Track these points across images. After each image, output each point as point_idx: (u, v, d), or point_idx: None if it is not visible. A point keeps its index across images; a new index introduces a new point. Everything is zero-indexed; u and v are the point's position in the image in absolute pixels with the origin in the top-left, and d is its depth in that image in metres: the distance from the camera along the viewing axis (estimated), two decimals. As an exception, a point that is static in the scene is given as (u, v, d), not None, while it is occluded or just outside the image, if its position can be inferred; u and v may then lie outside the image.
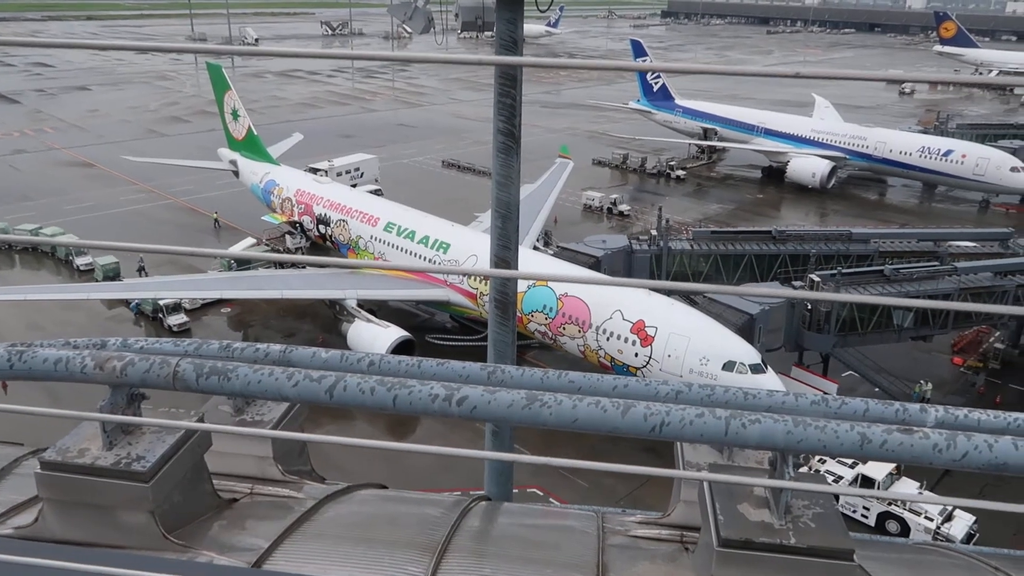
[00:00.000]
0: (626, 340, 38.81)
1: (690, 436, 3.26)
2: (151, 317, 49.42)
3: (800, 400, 3.95)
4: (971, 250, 49.64)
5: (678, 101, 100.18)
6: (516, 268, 19.62)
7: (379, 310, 47.68)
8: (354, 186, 68.56)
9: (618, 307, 39.33)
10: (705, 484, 3.62)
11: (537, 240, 55.67)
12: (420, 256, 49.04)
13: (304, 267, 51.29)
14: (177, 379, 3.80)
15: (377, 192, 68.82)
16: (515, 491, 27.89)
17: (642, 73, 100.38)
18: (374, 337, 42.43)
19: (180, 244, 62.01)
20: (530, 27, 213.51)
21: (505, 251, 18.93)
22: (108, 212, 71.17)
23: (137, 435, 4.26)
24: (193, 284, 48.73)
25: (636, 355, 38.42)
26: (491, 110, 17.55)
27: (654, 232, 49.20)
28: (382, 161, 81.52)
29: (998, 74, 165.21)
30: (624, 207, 74.78)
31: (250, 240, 59.71)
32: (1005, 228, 55.31)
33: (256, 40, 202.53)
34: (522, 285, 42.69)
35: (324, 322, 48.62)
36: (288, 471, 4.89)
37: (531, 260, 44.64)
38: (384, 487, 5.39)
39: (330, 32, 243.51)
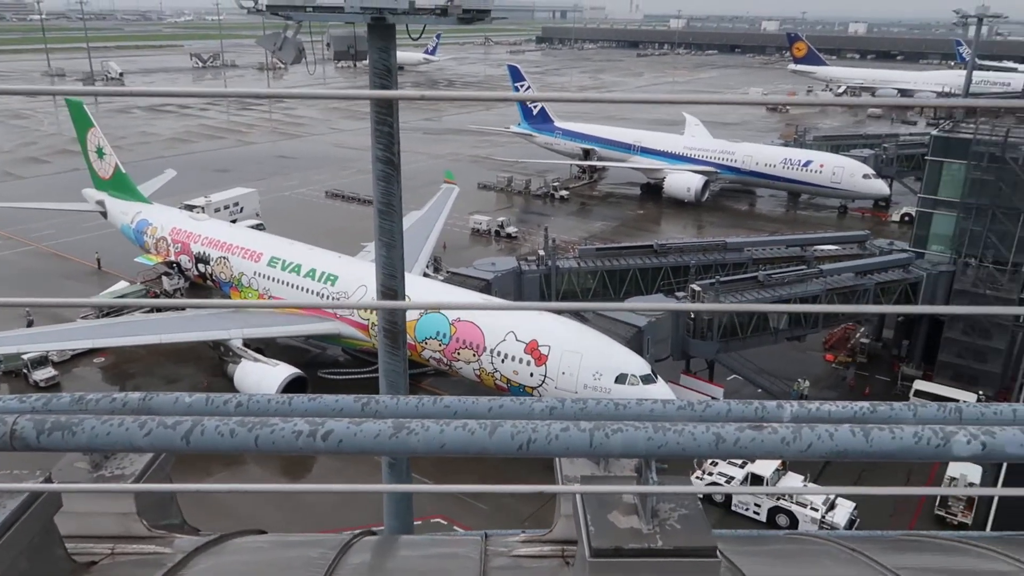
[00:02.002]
0: (521, 361, 39.14)
1: (556, 450, 3.32)
2: (14, 374, 45.77)
3: (668, 406, 4.09)
4: (834, 253, 53.17)
5: (557, 123, 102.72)
6: (403, 296, 19.48)
7: (267, 348, 46.07)
8: (234, 222, 66.30)
9: (511, 328, 39.64)
10: (577, 496, 3.70)
11: (427, 266, 55.46)
12: (307, 290, 47.84)
13: (184, 308, 48.99)
14: (15, 438, 3.52)
15: (259, 227, 66.81)
16: (418, 522, 27.49)
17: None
18: (262, 377, 40.92)
19: (47, 293, 57.96)
20: (407, 55, 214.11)
21: (391, 280, 18.77)
22: (-41, 263, 65.76)
23: (-25, 503, 3.92)
24: (60, 335, 45.44)
25: (531, 375, 38.80)
26: (371, 139, 17.47)
27: (542, 252, 50.04)
28: (263, 195, 79.28)
29: (846, 88, 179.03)
30: (512, 229, 75.71)
31: (123, 283, 56.49)
32: (862, 231, 59.61)
33: (121, 74, 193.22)
34: (414, 312, 42.40)
35: (210, 365, 46.50)
36: (155, 526, 4.61)
37: (421, 287, 44.41)
38: (263, 532, 5.18)
39: (201, 64, 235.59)
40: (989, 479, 37.75)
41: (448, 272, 52.61)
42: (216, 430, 3.37)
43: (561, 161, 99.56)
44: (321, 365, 48.28)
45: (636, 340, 40.56)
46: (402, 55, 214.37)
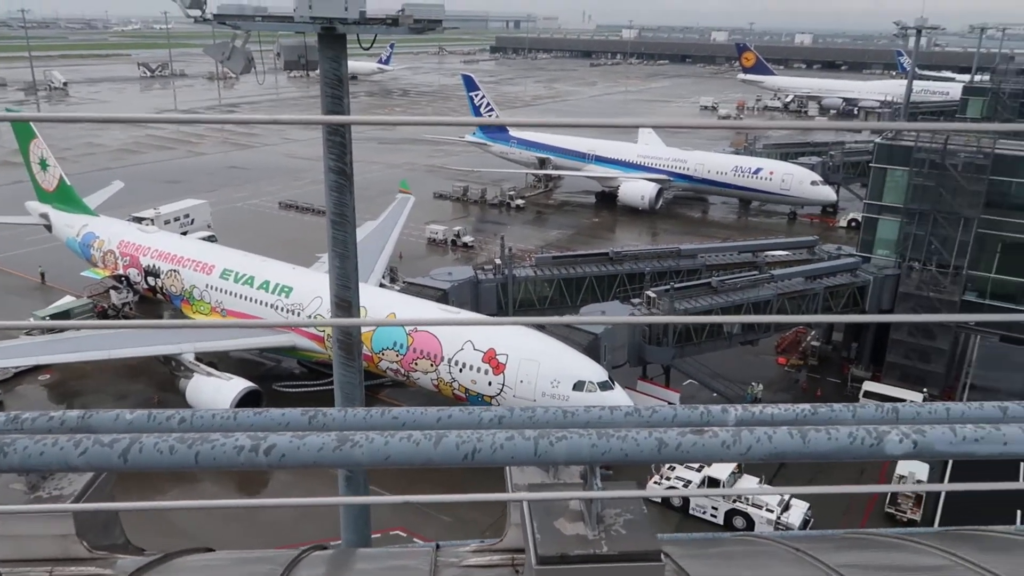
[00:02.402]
0: (479, 370, 39.09)
1: (502, 459, 3.33)
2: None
3: (615, 413, 4.13)
4: (784, 258, 54.29)
5: (512, 132, 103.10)
6: (358, 307, 19.31)
7: (220, 362, 45.20)
8: (184, 234, 65.02)
9: (469, 338, 39.57)
10: (525, 504, 3.71)
11: (383, 277, 55.08)
12: (261, 302, 47.10)
13: (137, 327, 47.80)
14: (-57, 461, 3.40)
15: (210, 238, 65.62)
16: (376, 535, 27.19)
17: (475, 105, 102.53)
18: (216, 391, 40.14)
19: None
20: (361, 64, 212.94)
21: (346, 291, 18.61)
22: None
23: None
24: (2, 352, 43.97)
25: (490, 384, 38.76)
26: (326, 149, 17.34)
27: (498, 261, 50.10)
28: (214, 206, 77.93)
29: (792, 98, 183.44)
30: (468, 238, 75.67)
31: (69, 298, 54.91)
32: (811, 236, 61.02)
33: (64, 84, 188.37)
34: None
35: (160, 380, 45.42)
36: (96, 547, 4.48)
37: (377, 298, 44.07)
38: (210, 550, 5.08)
39: (148, 74, 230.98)
40: (936, 476, 38.89)
41: (405, 282, 52.33)
42: (155, 447, 3.30)
43: (517, 170, 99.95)
44: (276, 378, 47.56)
45: (593, 347, 40.83)
46: (355, 64, 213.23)
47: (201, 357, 43.28)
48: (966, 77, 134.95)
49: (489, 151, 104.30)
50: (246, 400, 39.81)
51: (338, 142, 17.18)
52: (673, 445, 3.30)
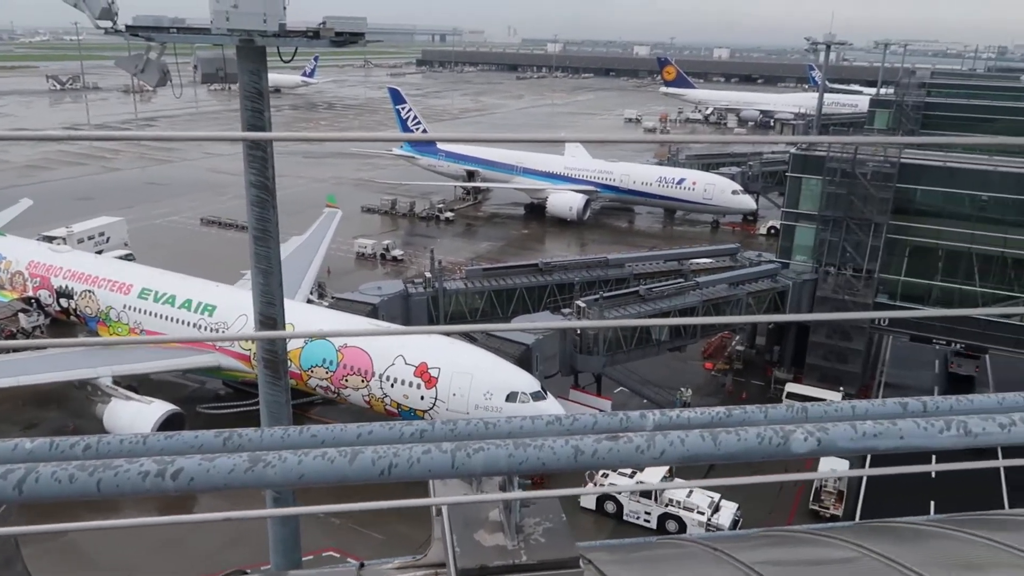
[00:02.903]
0: (411, 384, 38.77)
1: (418, 473, 3.31)
2: None
3: (536, 422, 4.16)
4: (708, 266, 55.76)
5: (440, 145, 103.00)
6: (283, 324, 18.92)
7: (141, 385, 43.48)
8: (100, 252, 62.47)
9: (400, 352, 39.23)
10: (445, 517, 3.70)
11: (311, 293, 54.10)
12: (183, 322, 45.60)
13: (45, 347, 45.57)
14: None
15: (128, 257, 63.23)
16: (308, 557, 26.57)
17: (402, 119, 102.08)
18: (135, 415, 38.58)
19: None
20: (284, 77, 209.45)
21: (270, 308, 18.20)
22: None
23: None
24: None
25: (422, 398, 38.48)
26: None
27: (428, 274, 49.89)
28: (131, 223, 75.13)
29: (712, 110, 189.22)
30: (397, 252, 75.11)
31: (-28, 323, 51.96)
32: (733, 244, 62.87)
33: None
34: (298, 340, 41.27)
35: (76, 406, 43.35)
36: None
37: (304, 314, 43.28)
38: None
39: (58, 87, 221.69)
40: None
41: (333, 297, 51.54)
42: (53, 476, 3.14)
43: (445, 183, 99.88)
44: (200, 400, 46.06)
45: (525, 358, 41.03)
46: (278, 77, 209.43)
47: (119, 381, 41.56)
48: (873, 90, 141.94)
49: (417, 164, 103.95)
50: (168, 424, 38.41)
51: (259, 156, 16.84)
52: (589, 452, 3.35)
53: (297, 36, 16.20)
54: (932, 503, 37.43)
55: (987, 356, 54.51)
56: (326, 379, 40.88)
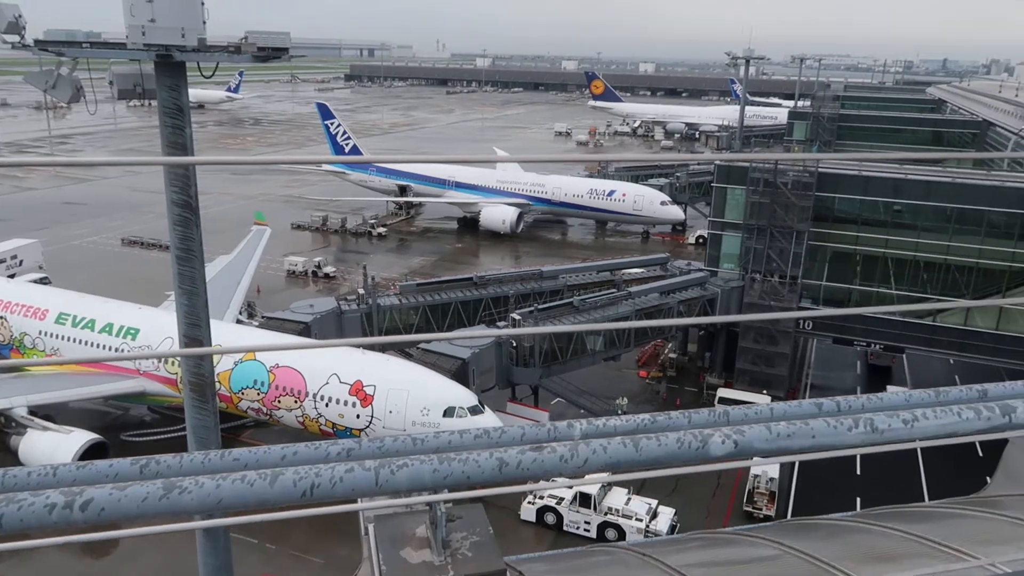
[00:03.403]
0: (346, 403, 38.15)
1: (342, 493, 3.27)
2: None
3: (464, 436, 4.15)
4: (640, 276, 56.76)
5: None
6: (210, 346, 18.38)
7: (59, 414, 41.55)
8: (12, 276, 59.61)
9: (334, 371, 38.58)
10: (371, 536, 3.66)
11: (240, 312, 52.77)
12: (105, 347, 43.85)
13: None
14: None
15: (43, 281, 60.55)
16: (242, 586, 25.75)
17: (331, 133, 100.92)
18: (54, 447, 36.80)
19: None
20: (208, 92, 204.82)
21: (195, 330, 17.66)
22: None
23: None
24: None
25: (358, 416, 37.91)
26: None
27: (362, 291, 49.29)
28: (47, 245, 72.04)
29: (640, 123, 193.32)
30: (329, 269, 74.03)
31: None
32: (663, 254, 64.18)
33: None
34: (228, 362, 40.17)
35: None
36: None
37: (234, 335, 42.20)
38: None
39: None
40: (786, 474, 41.68)
41: (263, 317, 50.38)
42: (-50, 514, 2.98)
43: (376, 198, 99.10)
44: (125, 428, 44.29)
45: (462, 372, 40.89)
46: (201, 93, 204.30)
47: (36, 410, 39.61)
48: (791, 103, 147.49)
49: (348, 179, 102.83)
50: (90, 454, 36.77)
51: (181, 174, 16.37)
52: (513, 464, 3.36)
53: (218, 51, 15.86)
54: (858, 500, 38.83)
55: (904, 356, 57.01)
56: (258, 401, 39.87)
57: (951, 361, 55.05)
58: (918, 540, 4.82)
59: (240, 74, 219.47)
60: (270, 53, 16.35)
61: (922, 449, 43.40)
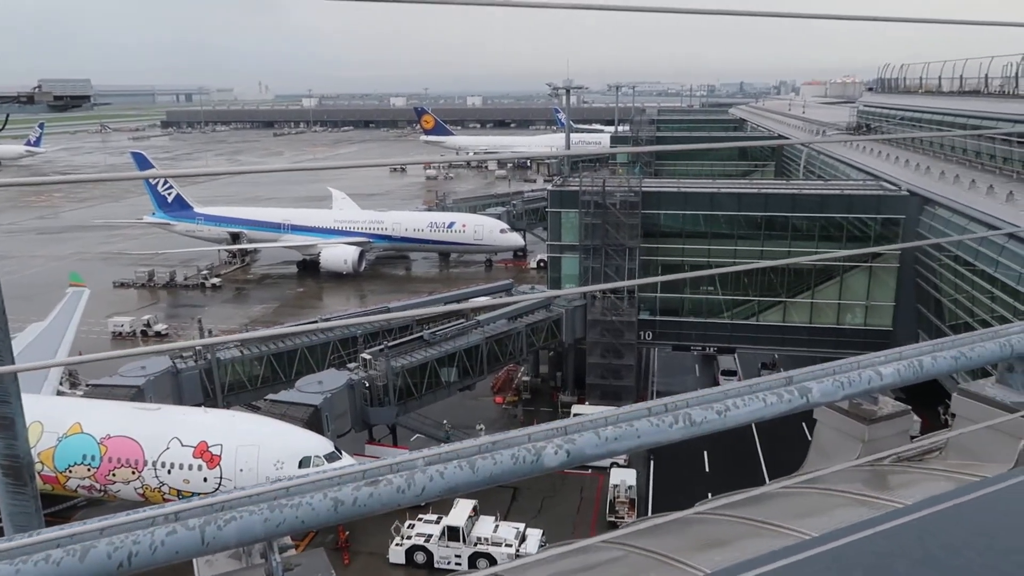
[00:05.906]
0: (191, 467, 35.70)
1: (164, 558, 3.07)
2: None
3: (301, 481, 4.02)
4: (487, 304, 57.46)
5: (198, 209, 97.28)
6: (23, 424, 16.63)
7: None
8: None
9: (174, 434, 36.06)
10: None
11: (60, 383, 48.21)
12: None
13: None
14: None
15: None
16: None
17: (151, 184, 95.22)
18: None
19: None
20: (4, 148, 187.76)
21: (6, 407, 15.92)
22: None
23: None
24: None
25: (205, 480, 35.55)
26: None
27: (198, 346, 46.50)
28: None
29: (474, 155, 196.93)
30: (161, 326, 69.45)
31: None
32: (507, 280, 65.44)
33: None
34: (50, 439, 36.55)
35: None
36: None
37: (56, 408, 38.55)
38: None
39: None
40: (643, 479, 43.39)
41: (89, 385, 46.29)
42: None
43: (206, 248, 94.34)
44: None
45: (315, 419, 39.49)
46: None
47: None
48: (612, 128, 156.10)
49: (173, 231, 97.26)
50: None
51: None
52: (349, 502, 3.30)
53: (9, 102, 14.57)
54: (709, 495, 41.02)
55: (735, 355, 61.27)
56: (88, 477, 36.46)
57: (775, 356, 59.76)
58: (747, 522, 5.19)
59: (41, 126, 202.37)
60: (68, 102, 15.23)
61: (758, 438, 46.76)
